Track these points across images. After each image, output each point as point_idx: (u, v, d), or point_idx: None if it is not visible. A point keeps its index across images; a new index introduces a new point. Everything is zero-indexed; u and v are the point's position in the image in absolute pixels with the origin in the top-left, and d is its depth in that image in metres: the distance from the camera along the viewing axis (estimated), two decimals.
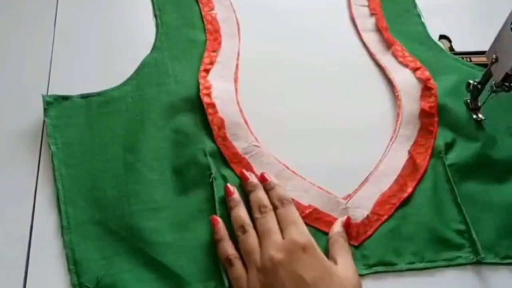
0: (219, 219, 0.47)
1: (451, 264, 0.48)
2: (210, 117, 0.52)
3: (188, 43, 0.58)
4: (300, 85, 0.58)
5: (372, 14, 0.64)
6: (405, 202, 0.50)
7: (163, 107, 0.53)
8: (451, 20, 0.65)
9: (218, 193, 0.48)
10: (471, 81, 0.55)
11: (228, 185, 0.49)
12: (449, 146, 0.53)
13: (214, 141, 0.51)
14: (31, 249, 0.45)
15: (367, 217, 0.49)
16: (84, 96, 0.53)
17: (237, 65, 0.58)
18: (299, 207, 0.48)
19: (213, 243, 0.46)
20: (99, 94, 0.53)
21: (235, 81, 0.56)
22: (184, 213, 0.48)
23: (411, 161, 0.52)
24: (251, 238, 0.45)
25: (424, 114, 0.55)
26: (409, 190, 0.50)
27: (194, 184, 0.49)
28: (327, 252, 0.46)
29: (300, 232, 0.44)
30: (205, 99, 0.53)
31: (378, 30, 0.63)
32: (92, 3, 0.62)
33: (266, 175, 0.49)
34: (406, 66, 0.59)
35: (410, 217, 0.49)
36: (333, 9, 0.65)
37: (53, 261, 0.45)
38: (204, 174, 0.49)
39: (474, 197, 0.51)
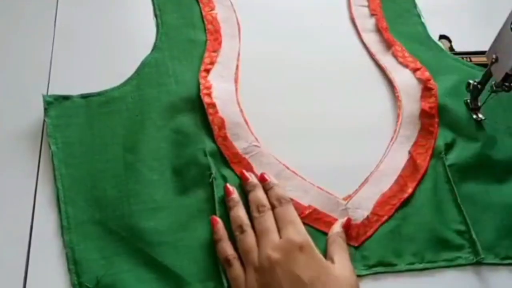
0: (219, 220, 0.47)
1: (451, 264, 0.48)
2: (210, 117, 0.52)
3: (189, 43, 0.58)
4: (301, 86, 0.58)
5: (372, 15, 0.64)
6: (405, 202, 0.50)
7: (164, 107, 0.53)
8: (451, 20, 0.65)
9: (218, 193, 0.48)
10: (471, 81, 0.55)
11: (227, 185, 0.49)
12: (449, 147, 0.53)
13: (214, 141, 0.51)
14: (31, 249, 0.45)
15: (367, 217, 0.49)
16: (84, 96, 0.53)
17: (237, 65, 0.58)
18: (299, 207, 0.48)
19: (213, 243, 0.46)
20: (99, 94, 0.53)
21: (236, 81, 0.56)
22: (184, 213, 0.48)
23: (412, 162, 0.52)
24: (249, 237, 0.45)
25: (424, 114, 0.55)
26: (409, 190, 0.50)
27: (194, 184, 0.49)
28: (325, 252, 0.46)
29: (298, 232, 0.44)
30: (206, 99, 0.53)
31: (378, 30, 0.63)
32: (92, 3, 0.62)
33: (266, 176, 0.49)
34: (406, 66, 0.59)
35: (410, 218, 0.49)
36: (333, 9, 0.65)
37: (53, 261, 0.45)
38: (204, 174, 0.49)
39: (474, 198, 0.51)
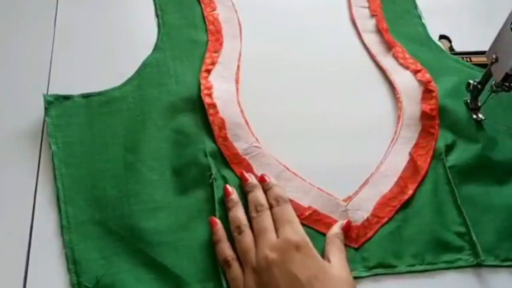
0: (218, 221, 0.47)
1: (451, 266, 0.48)
2: (211, 118, 0.52)
3: (190, 44, 0.58)
4: (301, 86, 0.58)
5: (372, 15, 0.64)
6: (406, 204, 0.50)
7: (164, 107, 0.53)
8: (451, 20, 0.65)
9: (218, 193, 0.48)
10: (471, 81, 0.55)
11: (227, 185, 0.49)
12: (449, 148, 0.53)
13: (214, 141, 0.51)
14: (31, 249, 0.45)
15: (367, 219, 0.49)
16: (85, 96, 0.53)
17: (238, 65, 0.58)
18: (299, 208, 0.48)
19: (213, 244, 0.46)
20: (100, 93, 0.53)
21: (237, 81, 0.56)
22: (184, 214, 0.48)
23: (412, 163, 0.52)
24: (247, 238, 0.45)
25: (425, 116, 0.55)
26: (410, 192, 0.50)
27: (194, 185, 0.49)
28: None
29: (295, 231, 0.44)
30: (206, 100, 0.53)
31: (379, 31, 0.63)
32: (92, 3, 0.62)
33: (265, 177, 0.49)
34: (406, 68, 0.59)
35: (411, 219, 0.49)
36: (334, 10, 0.65)
37: (53, 261, 0.45)
38: (204, 174, 0.49)
39: (474, 199, 0.51)
